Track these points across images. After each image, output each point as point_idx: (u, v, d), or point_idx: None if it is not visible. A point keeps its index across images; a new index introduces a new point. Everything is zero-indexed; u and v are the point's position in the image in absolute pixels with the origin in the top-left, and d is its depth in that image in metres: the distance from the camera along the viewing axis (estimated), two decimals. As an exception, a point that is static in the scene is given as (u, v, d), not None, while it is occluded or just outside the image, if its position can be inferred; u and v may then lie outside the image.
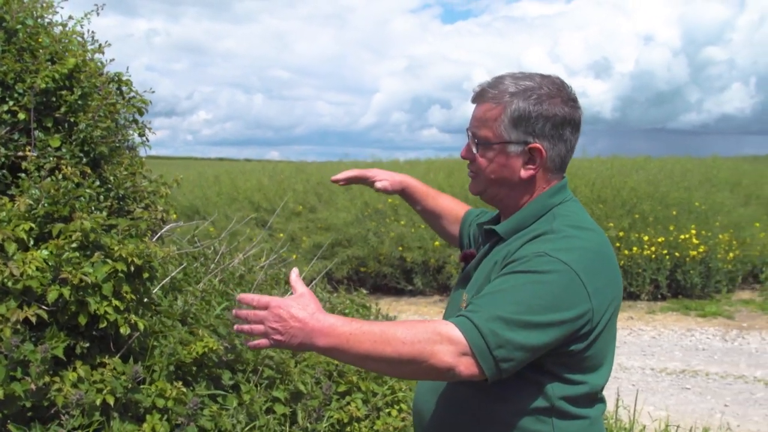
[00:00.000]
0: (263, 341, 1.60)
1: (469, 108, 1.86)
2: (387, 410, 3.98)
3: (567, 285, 1.60)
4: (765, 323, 10.09)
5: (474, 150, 1.82)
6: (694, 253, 11.35)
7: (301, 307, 1.58)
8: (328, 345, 1.56)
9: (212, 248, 5.57)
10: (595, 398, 1.77)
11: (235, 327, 1.66)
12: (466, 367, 1.55)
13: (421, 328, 1.56)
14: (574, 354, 1.65)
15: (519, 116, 1.74)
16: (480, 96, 1.82)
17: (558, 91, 1.77)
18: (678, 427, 5.34)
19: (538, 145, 1.75)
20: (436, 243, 11.80)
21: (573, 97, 1.79)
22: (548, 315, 1.57)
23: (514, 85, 1.76)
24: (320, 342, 1.56)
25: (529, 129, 1.74)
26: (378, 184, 2.38)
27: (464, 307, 1.76)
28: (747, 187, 15.08)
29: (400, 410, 4.00)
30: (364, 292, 6.25)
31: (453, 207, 2.41)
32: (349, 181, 2.37)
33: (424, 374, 1.61)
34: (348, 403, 3.83)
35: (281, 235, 11.14)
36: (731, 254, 11.79)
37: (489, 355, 1.54)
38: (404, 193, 2.42)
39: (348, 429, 3.76)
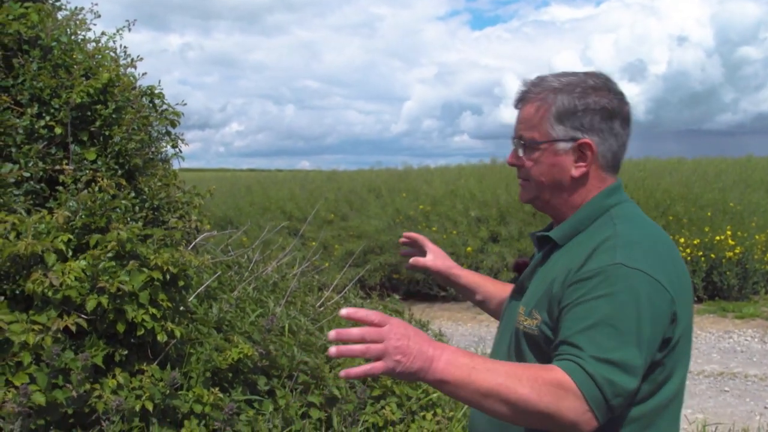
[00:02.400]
0: (376, 365, 1.37)
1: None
2: (422, 414, 3.99)
3: (654, 296, 1.50)
4: (805, 324, 9.93)
5: (520, 153, 1.72)
6: (731, 254, 11.18)
7: (414, 331, 1.41)
8: (446, 377, 1.41)
9: (246, 257, 5.64)
10: (665, 419, 1.62)
11: (333, 350, 1.38)
12: (588, 423, 1.43)
13: (542, 380, 1.42)
14: (652, 364, 1.53)
15: (564, 111, 1.65)
16: (523, 98, 1.73)
17: (604, 83, 1.69)
18: (718, 425, 5.27)
19: (587, 140, 1.66)
20: (469, 249, 11.77)
21: (620, 91, 1.71)
22: (649, 334, 1.47)
23: (557, 81, 1.69)
24: (438, 370, 1.40)
25: (576, 124, 1.66)
26: (429, 263, 2.16)
27: (522, 321, 1.66)
28: (783, 187, 14.84)
29: (434, 414, 4.01)
30: (397, 297, 6.27)
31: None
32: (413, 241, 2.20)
33: (541, 424, 1.47)
34: (383, 407, 3.85)
35: (313, 243, 11.20)
36: (768, 255, 11.62)
37: (605, 406, 1.43)
38: (455, 278, 2.18)
39: (383, 433, 3.79)
